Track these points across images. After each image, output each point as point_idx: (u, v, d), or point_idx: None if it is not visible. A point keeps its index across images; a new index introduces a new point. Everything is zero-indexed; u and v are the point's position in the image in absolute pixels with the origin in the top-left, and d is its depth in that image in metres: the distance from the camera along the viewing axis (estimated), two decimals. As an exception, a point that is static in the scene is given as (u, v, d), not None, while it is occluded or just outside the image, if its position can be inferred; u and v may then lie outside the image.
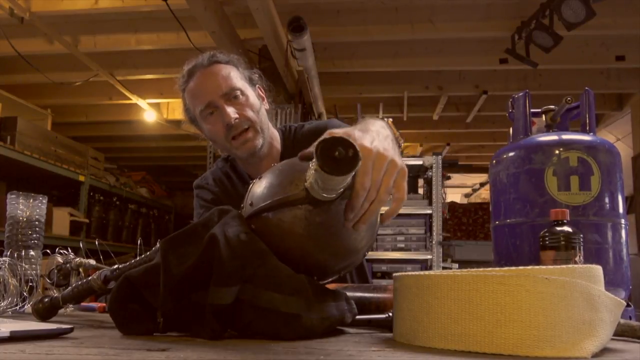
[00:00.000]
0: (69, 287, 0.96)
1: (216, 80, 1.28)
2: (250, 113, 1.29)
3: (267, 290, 0.73)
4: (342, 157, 0.64)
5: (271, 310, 0.72)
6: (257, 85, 1.39)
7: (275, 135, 1.43)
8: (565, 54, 3.99)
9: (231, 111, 1.26)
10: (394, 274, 0.76)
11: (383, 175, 0.75)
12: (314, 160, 0.67)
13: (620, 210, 1.55)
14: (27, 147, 4.16)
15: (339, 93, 5.07)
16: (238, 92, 1.29)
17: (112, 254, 1.22)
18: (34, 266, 1.21)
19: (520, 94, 1.69)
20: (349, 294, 0.90)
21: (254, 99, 1.33)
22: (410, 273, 0.71)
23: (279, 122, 3.82)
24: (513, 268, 0.65)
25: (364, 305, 0.93)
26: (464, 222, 7.52)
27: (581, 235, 1.21)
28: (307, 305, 0.73)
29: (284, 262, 0.76)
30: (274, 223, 0.78)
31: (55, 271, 1.12)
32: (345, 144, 0.65)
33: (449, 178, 5.69)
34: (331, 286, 0.96)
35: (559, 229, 1.21)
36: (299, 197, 0.75)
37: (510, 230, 1.60)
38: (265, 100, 1.40)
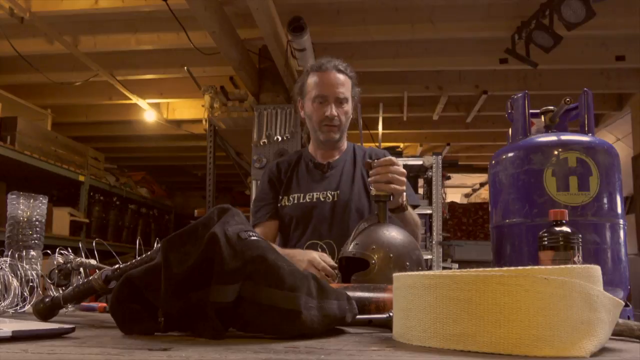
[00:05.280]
0: (70, 287, 0.96)
1: (338, 85, 1.79)
2: (343, 118, 1.82)
3: (267, 287, 0.73)
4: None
5: (271, 306, 0.72)
6: (354, 98, 1.87)
7: (345, 137, 1.93)
8: (565, 54, 3.98)
9: (335, 111, 1.78)
10: (394, 274, 0.76)
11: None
12: None
13: (619, 210, 1.54)
14: (27, 147, 4.16)
15: (338, 93, 5.06)
16: (345, 101, 1.80)
17: (115, 254, 1.22)
18: (34, 266, 1.21)
19: (520, 94, 1.69)
20: (349, 293, 0.90)
21: (349, 109, 1.84)
22: (410, 273, 0.72)
23: (279, 122, 3.82)
24: (512, 268, 0.65)
25: (364, 305, 0.93)
26: (464, 222, 7.50)
27: (580, 236, 1.21)
28: (308, 302, 0.74)
29: None
30: None
31: (56, 271, 1.13)
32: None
33: (449, 178, 5.69)
34: (333, 285, 0.96)
35: (557, 229, 1.21)
36: None
37: (510, 231, 1.59)
38: (353, 112, 1.89)
